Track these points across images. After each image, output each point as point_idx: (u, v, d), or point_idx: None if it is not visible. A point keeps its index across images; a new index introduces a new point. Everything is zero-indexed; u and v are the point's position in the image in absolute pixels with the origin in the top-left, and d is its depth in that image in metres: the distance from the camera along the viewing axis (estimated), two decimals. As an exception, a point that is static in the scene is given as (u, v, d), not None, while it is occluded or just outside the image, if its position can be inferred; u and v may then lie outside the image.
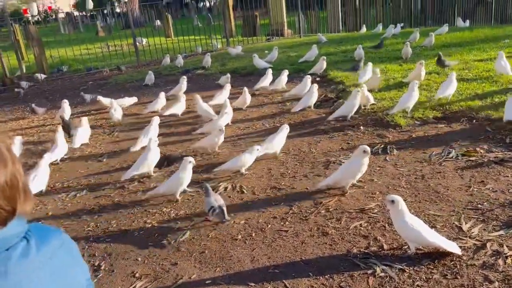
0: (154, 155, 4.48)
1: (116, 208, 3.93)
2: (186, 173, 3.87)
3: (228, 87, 6.84)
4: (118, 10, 31.60)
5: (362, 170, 3.59)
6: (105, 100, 7.35)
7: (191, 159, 3.95)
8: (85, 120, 6.04)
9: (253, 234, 3.19)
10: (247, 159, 4.20)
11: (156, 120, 5.47)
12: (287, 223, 3.29)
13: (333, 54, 9.75)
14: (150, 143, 4.51)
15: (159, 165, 4.67)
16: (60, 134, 5.38)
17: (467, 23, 15.96)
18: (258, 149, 4.27)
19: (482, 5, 19.56)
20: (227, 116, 5.61)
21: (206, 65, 10.02)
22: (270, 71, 7.55)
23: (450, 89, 5.33)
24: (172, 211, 3.72)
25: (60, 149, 5.22)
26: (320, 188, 3.70)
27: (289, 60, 9.72)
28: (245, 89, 6.51)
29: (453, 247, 2.62)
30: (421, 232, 2.61)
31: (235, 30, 17.07)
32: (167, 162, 4.79)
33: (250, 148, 4.31)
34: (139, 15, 23.00)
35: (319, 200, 3.56)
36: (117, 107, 6.66)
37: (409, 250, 2.71)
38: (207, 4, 33.39)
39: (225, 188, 4.01)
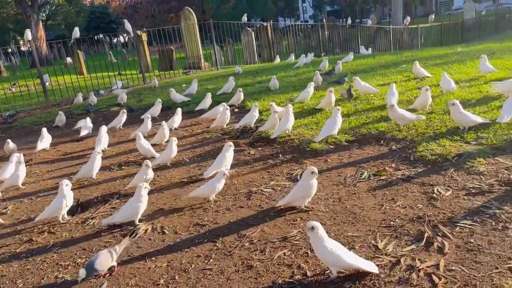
0: (66, 200, 4.16)
1: (23, 264, 3.55)
2: (142, 200, 3.89)
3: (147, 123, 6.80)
4: (23, 48, 29.83)
5: (311, 191, 3.73)
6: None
7: (146, 184, 3.99)
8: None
9: (176, 277, 3.04)
10: (218, 186, 4.19)
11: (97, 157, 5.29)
12: (211, 260, 3.19)
13: (249, 85, 10.00)
14: (62, 186, 4.18)
15: (72, 212, 4.35)
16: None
17: (370, 50, 17.36)
18: (225, 174, 4.27)
19: (381, 33, 21.52)
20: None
21: (121, 101, 9.72)
22: (179, 110, 7.38)
23: (328, 128, 5.35)
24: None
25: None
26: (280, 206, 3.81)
27: (207, 91, 9.74)
28: (163, 123, 6.37)
29: (371, 266, 2.71)
30: (341, 256, 2.68)
31: (151, 64, 16.92)
32: (81, 208, 4.48)
33: (218, 174, 4.27)
34: (47, 52, 21.88)
35: (242, 233, 3.52)
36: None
37: (331, 275, 2.76)
38: (122, 40, 32.80)
39: (145, 230, 3.82)
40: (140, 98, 10.19)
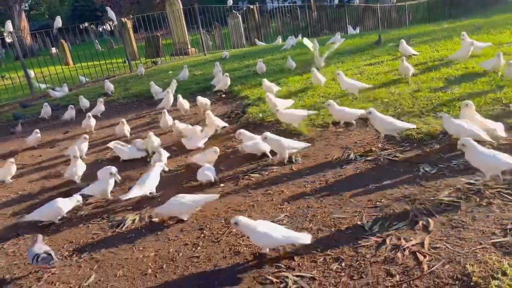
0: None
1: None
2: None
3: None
4: (8, 40, 29.28)
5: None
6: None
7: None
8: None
9: (164, 266, 3.04)
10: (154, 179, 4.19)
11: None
12: (199, 248, 3.19)
13: (237, 70, 9.90)
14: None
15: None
16: None
17: (357, 30, 17.20)
18: (162, 166, 4.32)
19: (368, 12, 21.35)
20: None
21: (108, 91, 9.59)
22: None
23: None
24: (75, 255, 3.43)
25: None
26: None
27: (194, 79, 9.66)
28: (123, 120, 6.41)
29: (304, 238, 2.82)
30: (272, 235, 2.80)
31: (137, 52, 16.68)
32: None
33: (151, 167, 4.29)
34: (31, 43, 21.49)
35: (229, 219, 3.52)
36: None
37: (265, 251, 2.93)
38: (108, 28, 32.21)
39: (133, 221, 3.80)
40: (127, 87, 10.06)
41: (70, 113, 7.85)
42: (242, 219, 2.92)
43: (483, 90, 5.27)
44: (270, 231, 2.83)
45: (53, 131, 7.67)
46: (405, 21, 20.97)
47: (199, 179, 4.30)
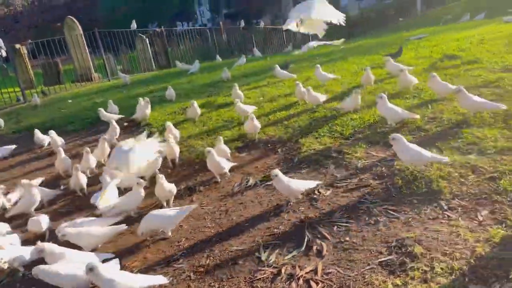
0: None
1: None
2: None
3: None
4: None
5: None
6: None
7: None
8: None
9: None
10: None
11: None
12: None
13: (142, 96, 9.55)
14: None
15: None
16: None
17: (258, 52, 17.45)
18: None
19: (276, 33, 22.22)
20: None
21: (-4, 125, 8.69)
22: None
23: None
24: None
25: None
26: None
27: (95, 107, 9.14)
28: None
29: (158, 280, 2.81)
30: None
31: (34, 80, 15.51)
32: None
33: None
34: None
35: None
36: None
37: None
38: (3, 53, 29.71)
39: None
40: (19, 119, 9.21)
41: None
42: (96, 266, 2.66)
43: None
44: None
45: None
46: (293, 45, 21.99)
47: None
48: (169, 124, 5.70)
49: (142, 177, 4.52)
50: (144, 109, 7.12)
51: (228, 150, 4.86)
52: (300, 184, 3.65)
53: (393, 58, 7.13)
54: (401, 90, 5.84)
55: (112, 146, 5.78)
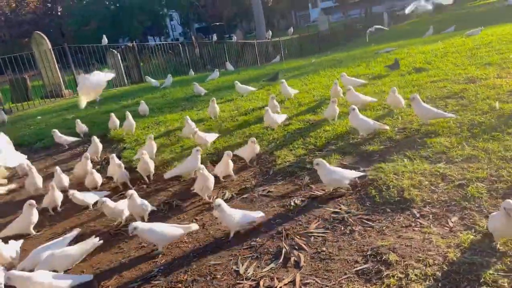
0: None
1: None
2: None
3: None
4: None
5: None
6: None
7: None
8: None
9: None
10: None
11: None
12: None
13: (115, 111, 9.42)
14: None
15: None
16: None
17: (231, 66, 17.49)
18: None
19: (248, 47, 22.44)
20: None
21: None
22: None
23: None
24: None
25: None
26: None
27: (65, 123, 8.96)
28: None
29: None
30: None
31: (2, 96, 15.08)
32: None
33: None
34: None
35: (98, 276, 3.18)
36: None
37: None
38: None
39: None
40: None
41: None
42: None
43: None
44: None
45: None
46: (281, 56, 22.37)
47: None
48: (151, 136, 5.60)
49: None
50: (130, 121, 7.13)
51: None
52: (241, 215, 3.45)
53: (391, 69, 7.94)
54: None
55: (94, 163, 5.74)
